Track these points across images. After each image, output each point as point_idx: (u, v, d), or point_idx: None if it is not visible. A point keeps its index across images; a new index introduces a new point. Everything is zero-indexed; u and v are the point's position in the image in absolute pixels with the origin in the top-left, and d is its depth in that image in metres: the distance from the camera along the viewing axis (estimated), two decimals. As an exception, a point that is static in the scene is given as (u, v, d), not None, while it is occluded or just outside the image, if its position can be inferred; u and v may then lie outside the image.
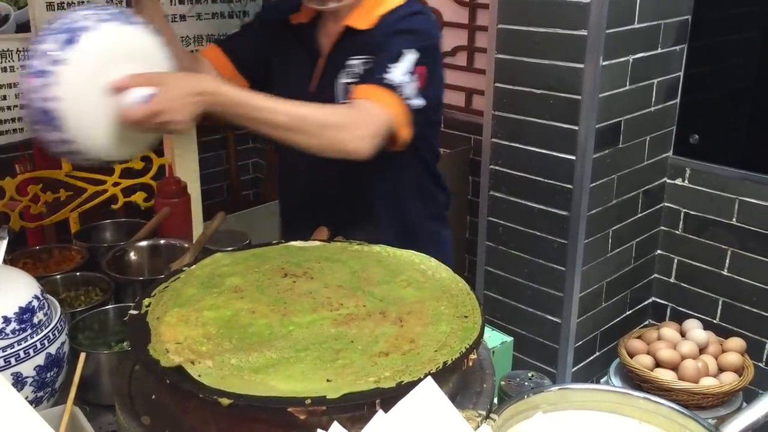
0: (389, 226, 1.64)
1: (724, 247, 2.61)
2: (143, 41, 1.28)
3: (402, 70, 1.42)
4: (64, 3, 1.81)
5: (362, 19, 1.55)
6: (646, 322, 2.91)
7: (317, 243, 1.35)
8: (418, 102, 1.44)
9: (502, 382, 1.21)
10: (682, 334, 2.56)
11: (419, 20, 1.53)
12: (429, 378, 0.88)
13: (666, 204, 2.75)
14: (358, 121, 1.37)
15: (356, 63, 1.53)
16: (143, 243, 1.73)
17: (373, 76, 1.43)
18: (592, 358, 2.72)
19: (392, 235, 1.56)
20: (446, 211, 1.82)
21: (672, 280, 2.80)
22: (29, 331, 1.13)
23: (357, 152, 1.36)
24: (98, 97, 1.20)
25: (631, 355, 2.48)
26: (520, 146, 2.52)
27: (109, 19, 1.23)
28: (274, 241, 1.34)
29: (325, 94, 1.56)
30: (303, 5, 1.62)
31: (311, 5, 1.56)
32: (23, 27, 1.76)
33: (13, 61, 1.77)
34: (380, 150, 1.40)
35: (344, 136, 1.35)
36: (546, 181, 2.48)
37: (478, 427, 0.93)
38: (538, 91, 2.43)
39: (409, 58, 1.44)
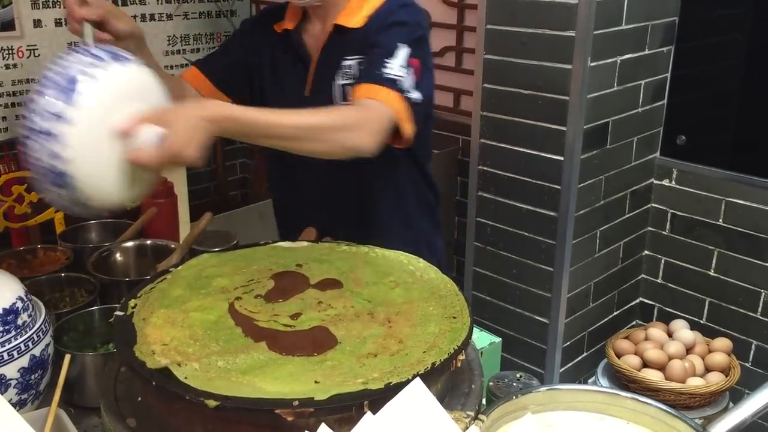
0: (389, 229, 1.64)
1: (710, 247, 2.62)
2: (140, 79, 1.20)
3: (398, 64, 1.42)
4: (49, 1, 1.79)
5: (352, 18, 1.55)
6: (634, 323, 2.92)
7: (305, 243, 1.34)
8: (416, 95, 1.44)
9: (491, 383, 1.21)
10: (669, 335, 2.57)
11: (408, 12, 1.52)
12: (417, 379, 0.88)
13: (653, 205, 2.76)
14: (361, 119, 1.37)
15: (352, 63, 1.53)
16: (129, 244, 1.71)
17: (372, 73, 1.43)
18: (579, 358, 2.73)
19: (393, 238, 1.57)
20: (438, 215, 1.82)
21: (659, 280, 2.81)
22: (13, 333, 1.12)
23: (362, 150, 1.37)
24: (108, 146, 1.11)
25: (619, 356, 2.48)
26: (509, 147, 2.53)
27: (104, 61, 1.14)
28: (261, 242, 1.33)
29: (321, 97, 1.55)
30: (287, 13, 1.62)
31: (294, 2, 1.56)
32: (7, 25, 1.74)
33: (-2, 59, 1.76)
34: (385, 147, 1.40)
35: (349, 136, 1.35)
36: (534, 181, 2.49)
37: (467, 428, 0.93)
38: (526, 92, 2.43)
39: (403, 51, 1.44)
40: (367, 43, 1.49)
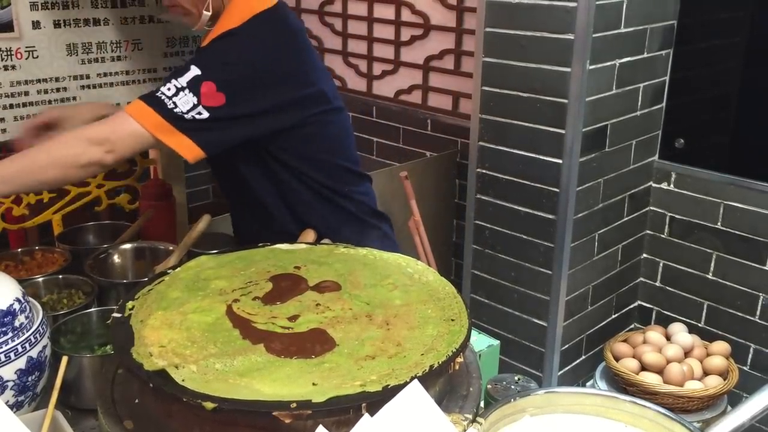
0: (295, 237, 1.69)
1: (709, 251, 2.62)
2: None
3: (175, 84, 1.49)
4: (48, 3, 1.79)
5: (205, 42, 1.61)
6: (632, 326, 2.92)
7: (303, 246, 1.34)
8: (197, 115, 1.48)
9: (489, 386, 1.21)
10: (668, 338, 2.57)
11: (226, 41, 1.55)
12: (415, 381, 0.88)
13: (651, 208, 2.76)
14: (85, 136, 1.46)
15: None
16: (127, 245, 1.71)
17: (148, 92, 1.50)
18: (578, 361, 2.73)
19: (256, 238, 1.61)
20: (368, 215, 1.81)
21: (657, 283, 2.81)
22: (10, 335, 1.11)
23: (98, 163, 1.47)
24: None
25: (617, 359, 2.48)
26: (507, 149, 2.53)
27: None
28: (259, 244, 1.33)
29: None
30: None
31: (193, 28, 1.68)
32: (6, 27, 1.74)
33: (-4, 61, 1.75)
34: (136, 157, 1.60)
35: (73, 152, 1.44)
36: (533, 184, 2.48)
37: (465, 430, 0.93)
38: (525, 95, 2.43)
39: (190, 73, 1.50)
40: None
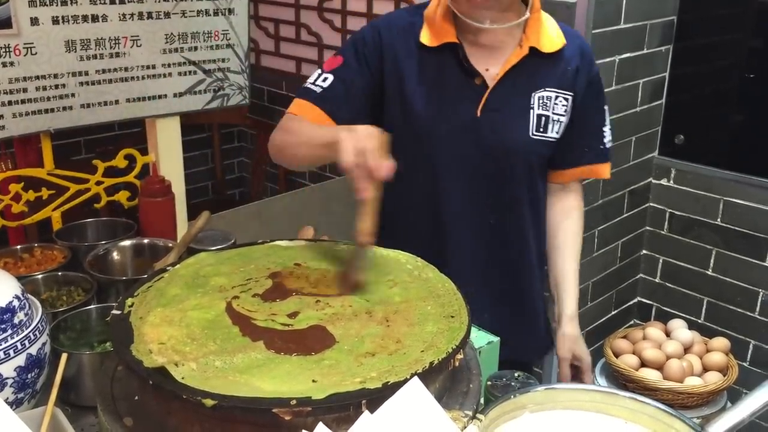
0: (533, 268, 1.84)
1: (708, 247, 2.62)
2: None
3: (608, 128, 1.66)
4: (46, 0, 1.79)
5: (542, 41, 1.55)
6: (632, 322, 2.92)
7: (303, 242, 1.34)
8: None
9: (489, 382, 1.21)
10: (667, 334, 2.57)
11: (593, 58, 1.66)
12: (415, 378, 0.88)
13: (651, 204, 2.76)
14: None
15: (550, 95, 1.55)
16: (126, 242, 1.71)
17: (596, 149, 1.65)
18: (577, 357, 2.73)
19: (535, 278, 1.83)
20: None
21: (657, 280, 2.81)
22: (9, 332, 1.11)
23: None
24: None
25: (617, 355, 2.48)
26: (507, 146, 2.52)
27: None
28: (259, 241, 1.33)
29: (492, 117, 1.51)
30: (437, 25, 1.51)
31: (482, 24, 1.47)
32: (4, 23, 1.74)
33: (-5, 57, 1.75)
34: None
35: None
36: (532, 180, 2.48)
37: (465, 427, 0.93)
38: (525, 91, 2.43)
39: (607, 113, 1.67)
40: (568, 80, 1.57)
